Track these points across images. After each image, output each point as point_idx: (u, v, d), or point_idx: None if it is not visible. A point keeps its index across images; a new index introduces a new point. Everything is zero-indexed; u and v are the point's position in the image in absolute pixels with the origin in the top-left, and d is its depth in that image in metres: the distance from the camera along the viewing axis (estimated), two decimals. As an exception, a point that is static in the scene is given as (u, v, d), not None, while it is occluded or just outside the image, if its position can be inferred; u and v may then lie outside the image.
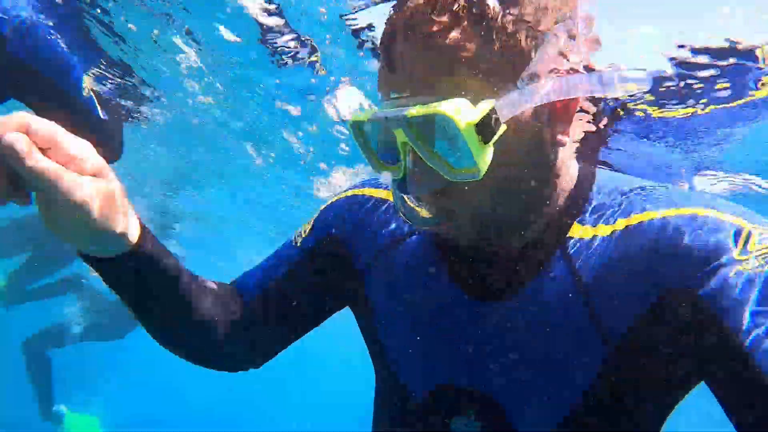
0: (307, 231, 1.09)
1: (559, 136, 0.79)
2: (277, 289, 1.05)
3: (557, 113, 0.78)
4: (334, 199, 1.12)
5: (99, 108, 3.00)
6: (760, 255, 0.71)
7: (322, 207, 1.12)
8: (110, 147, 3.35)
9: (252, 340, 1.06)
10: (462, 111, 0.68)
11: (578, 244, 0.84)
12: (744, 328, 0.67)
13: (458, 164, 0.73)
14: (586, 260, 0.83)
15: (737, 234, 0.73)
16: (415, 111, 0.70)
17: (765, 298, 0.67)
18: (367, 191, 1.08)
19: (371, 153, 0.85)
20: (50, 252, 7.10)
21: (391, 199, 1.04)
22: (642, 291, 0.78)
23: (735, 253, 0.71)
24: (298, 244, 1.08)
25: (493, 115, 0.69)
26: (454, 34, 0.70)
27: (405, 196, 0.83)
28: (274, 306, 1.05)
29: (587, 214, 0.86)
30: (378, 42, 0.80)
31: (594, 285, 0.81)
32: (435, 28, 0.70)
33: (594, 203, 0.87)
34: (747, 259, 0.70)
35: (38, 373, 7.01)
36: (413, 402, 0.98)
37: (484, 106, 0.69)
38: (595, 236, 0.84)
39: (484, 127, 0.69)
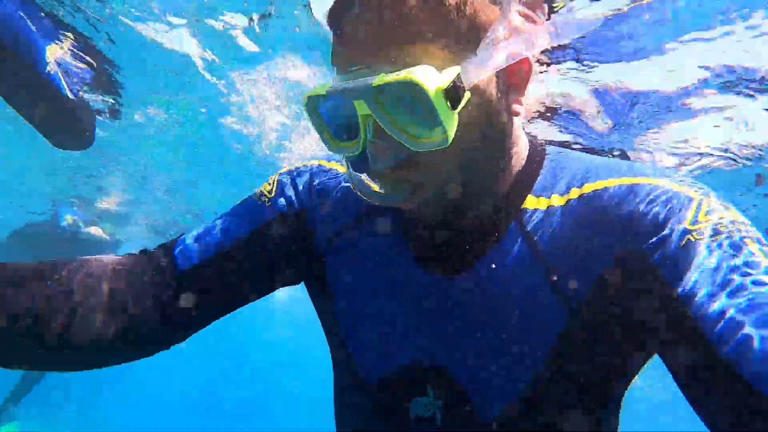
0: (273, 192, 1.02)
1: (514, 105, 0.81)
2: (238, 248, 0.95)
3: (512, 83, 0.80)
4: (299, 165, 1.07)
5: (66, 87, 2.79)
6: (709, 225, 0.72)
7: (284, 170, 1.06)
8: (78, 131, 3.08)
9: (181, 315, 0.93)
10: (430, 77, 0.69)
11: (533, 215, 0.85)
12: (691, 297, 0.68)
13: (424, 133, 0.73)
14: (542, 230, 0.83)
15: (688, 204, 0.74)
16: (380, 80, 0.69)
17: (712, 268, 0.68)
18: (335, 165, 1.04)
19: (326, 130, 0.83)
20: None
21: None
22: (598, 256, 0.79)
23: (687, 223, 0.72)
24: (268, 203, 1.00)
25: (458, 82, 0.70)
26: (415, 3, 0.70)
27: (362, 174, 0.82)
28: (231, 268, 0.95)
29: (540, 186, 0.87)
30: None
31: (551, 253, 0.82)
32: None
33: (546, 175, 0.88)
34: (697, 229, 0.72)
35: (27, 382, 7.07)
36: (371, 386, 0.97)
37: (451, 73, 0.70)
38: (549, 206, 0.84)
39: (452, 94, 0.70)
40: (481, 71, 0.72)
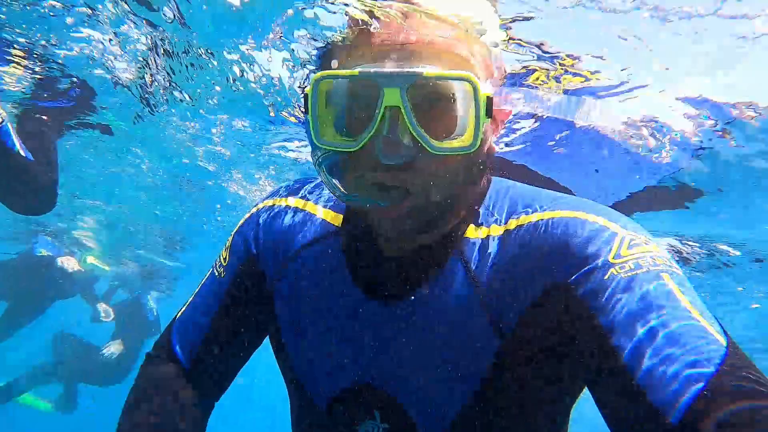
0: (227, 258, 1.07)
1: (493, 144, 0.89)
2: (217, 329, 1.05)
3: (495, 127, 0.89)
4: (247, 216, 1.10)
5: (17, 142, 2.38)
6: (631, 260, 0.76)
7: (235, 230, 1.11)
8: (34, 194, 2.63)
9: (207, 393, 1.07)
10: (480, 82, 0.74)
11: (473, 244, 0.88)
12: (611, 328, 0.71)
13: (449, 136, 0.76)
14: (480, 259, 0.87)
15: (613, 239, 0.79)
16: (439, 72, 0.71)
17: (632, 301, 0.72)
18: (277, 201, 1.07)
19: (328, 116, 0.82)
20: (27, 301, 7.21)
21: (298, 205, 1.03)
22: (530, 285, 0.82)
23: (610, 257, 0.77)
24: (224, 274, 1.07)
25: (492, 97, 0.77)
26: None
27: (335, 179, 0.82)
28: (222, 343, 1.05)
29: (482, 216, 0.91)
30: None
31: (487, 281, 0.85)
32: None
33: (488, 206, 0.92)
34: (620, 263, 0.76)
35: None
36: (320, 411, 0.99)
37: (488, 87, 0.76)
38: (488, 236, 0.88)
39: (490, 104, 0.75)
40: (500, 98, 0.81)
